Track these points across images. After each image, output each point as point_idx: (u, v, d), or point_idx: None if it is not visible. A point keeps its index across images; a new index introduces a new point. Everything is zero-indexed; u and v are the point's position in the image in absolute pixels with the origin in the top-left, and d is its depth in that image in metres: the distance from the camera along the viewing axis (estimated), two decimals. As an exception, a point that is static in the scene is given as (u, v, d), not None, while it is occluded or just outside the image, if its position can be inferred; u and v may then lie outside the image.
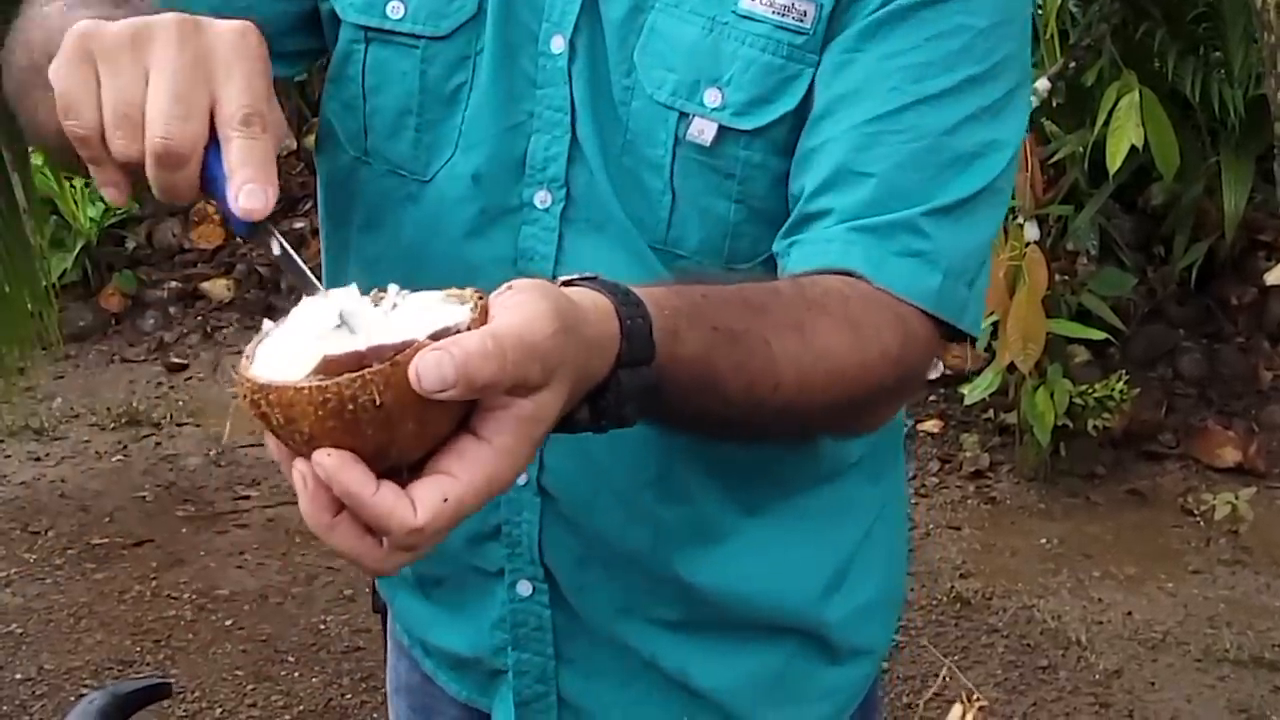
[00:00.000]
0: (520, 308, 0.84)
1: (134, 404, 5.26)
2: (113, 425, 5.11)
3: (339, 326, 0.84)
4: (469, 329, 0.81)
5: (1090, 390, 4.32)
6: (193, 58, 0.94)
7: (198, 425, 5.12)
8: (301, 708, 3.54)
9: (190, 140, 0.94)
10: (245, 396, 0.81)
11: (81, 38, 0.96)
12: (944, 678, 3.53)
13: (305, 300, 0.89)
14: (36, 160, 4.09)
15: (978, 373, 4.52)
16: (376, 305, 0.87)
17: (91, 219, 5.78)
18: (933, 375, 4.74)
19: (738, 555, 1.33)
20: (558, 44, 1.22)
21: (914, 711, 3.44)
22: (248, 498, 4.56)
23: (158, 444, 4.99)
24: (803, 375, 1.05)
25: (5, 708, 3.52)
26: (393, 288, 0.88)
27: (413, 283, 1.31)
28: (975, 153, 1.17)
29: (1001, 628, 3.86)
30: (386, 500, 0.80)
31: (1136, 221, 5.00)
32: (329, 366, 0.79)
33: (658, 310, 0.94)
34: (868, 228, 1.14)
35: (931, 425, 4.79)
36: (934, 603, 3.95)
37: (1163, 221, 4.95)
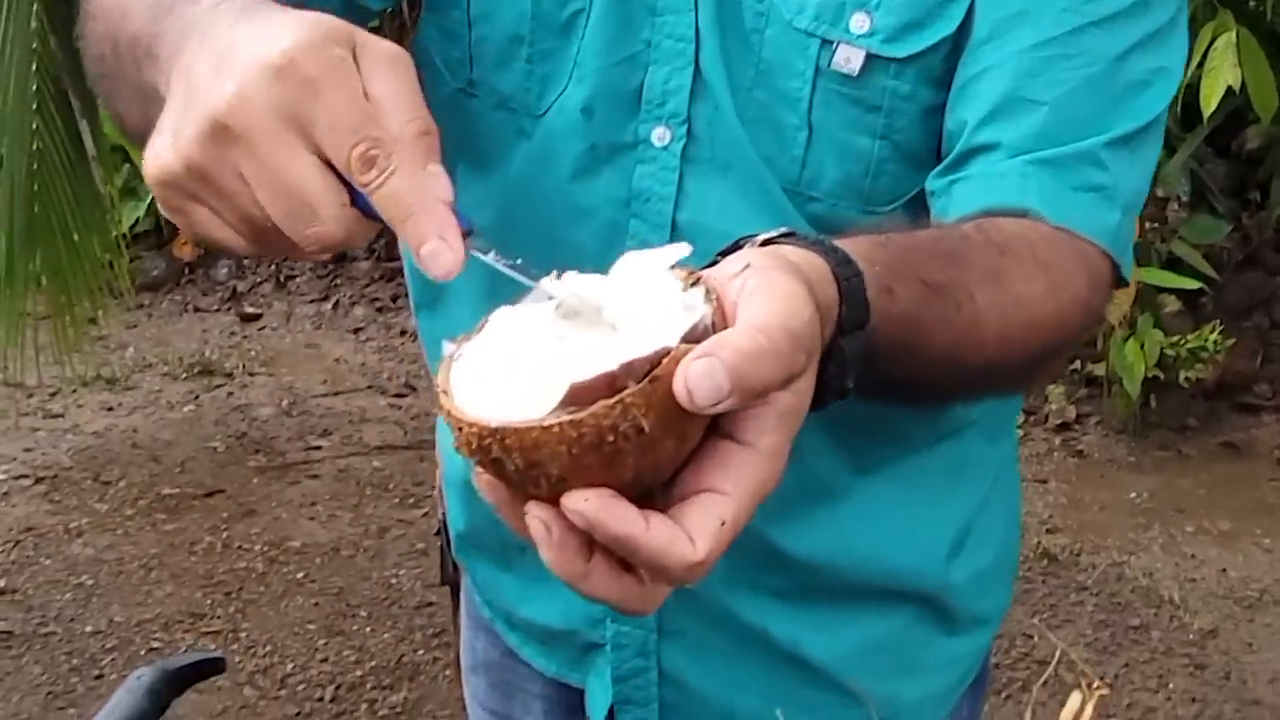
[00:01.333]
0: (775, 291, 0.71)
1: (206, 354, 5.25)
2: (185, 375, 5.10)
3: (554, 338, 0.72)
4: (713, 323, 0.70)
5: (1182, 341, 4.23)
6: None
7: (270, 375, 5.10)
8: (373, 663, 3.49)
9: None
10: (468, 442, 0.69)
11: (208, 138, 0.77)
12: (1034, 639, 3.44)
13: (498, 311, 0.75)
14: (105, 107, 4.04)
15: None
16: (564, 302, 0.74)
17: (163, 167, 5.76)
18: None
19: (852, 517, 1.26)
20: None
21: (1002, 673, 3.34)
22: (319, 448, 4.52)
23: (230, 394, 4.97)
24: (1004, 329, 0.95)
25: (75, 660, 3.49)
26: (569, 274, 0.75)
27: (517, 227, 1.21)
28: (1145, 80, 1.10)
29: (1091, 585, 3.76)
30: (662, 537, 0.68)
31: (1230, 166, 4.89)
32: (578, 395, 0.67)
33: (868, 266, 0.83)
34: (1045, 160, 1.05)
35: (1016, 377, 4.68)
36: (1020, 559, 3.84)
37: (1258, 166, 4.84)
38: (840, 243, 0.83)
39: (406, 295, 1.44)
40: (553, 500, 0.69)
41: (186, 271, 5.90)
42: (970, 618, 1.35)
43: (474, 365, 0.72)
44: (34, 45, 3.55)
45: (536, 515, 0.70)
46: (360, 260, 5.75)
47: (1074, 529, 4.01)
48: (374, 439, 4.53)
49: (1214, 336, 4.24)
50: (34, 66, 3.57)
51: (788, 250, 0.79)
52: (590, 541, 0.70)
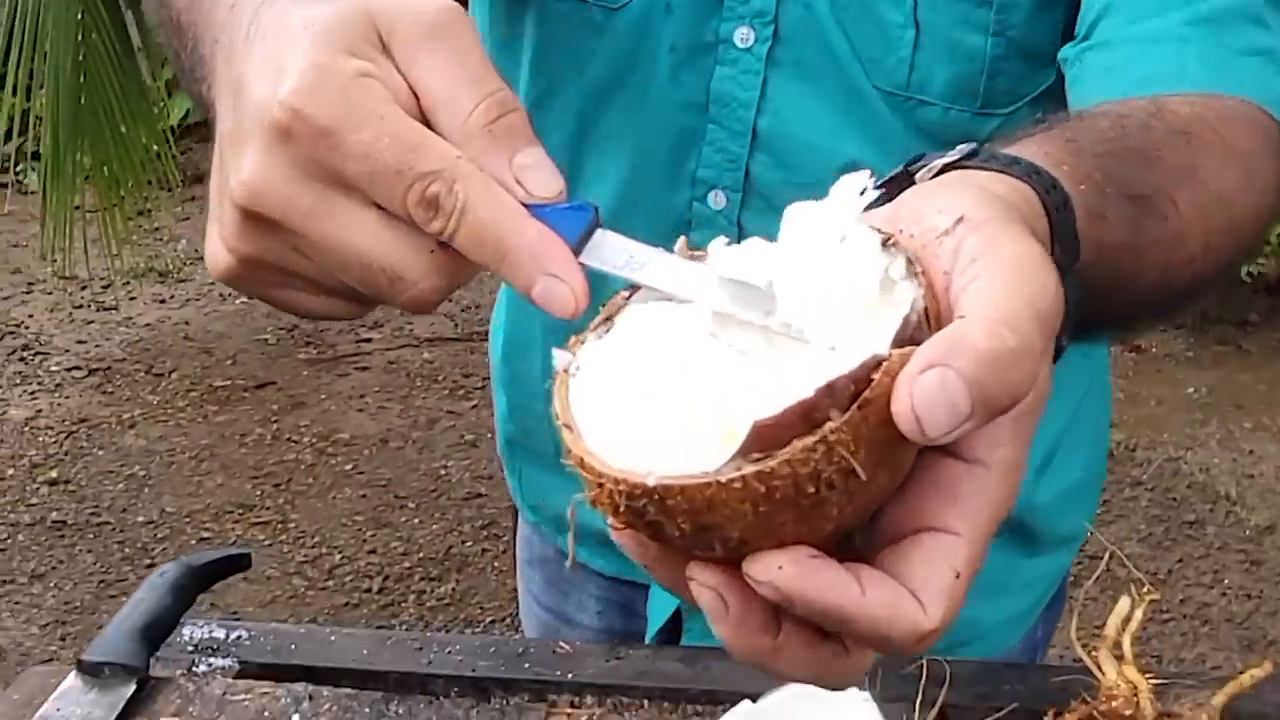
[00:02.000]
0: (1007, 258, 0.53)
1: (256, 246, 5.25)
2: (235, 268, 5.11)
3: (714, 346, 0.55)
4: (926, 313, 0.52)
5: (1245, 233, 4.14)
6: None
7: (319, 268, 5.10)
8: (421, 554, 3.51)
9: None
10: (612, 502, 0.52)
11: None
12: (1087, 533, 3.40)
13: (628, 305, 0.58)
14: None
15: (1124, 215, 4.34)
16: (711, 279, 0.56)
17: (211, 59, 5.74)
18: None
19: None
20: None
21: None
22: (369, 340, 4.52)
23: (279, 287, 4.97)
24: (1208, 235, 0.80)
25: (128, 550, 3.53)
26: (717, 243, 0.58)
27: (591, 136, 1.13)
28: None
29: (1146, 480, 3.72)
30: (882, 604, 0.52)
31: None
32: (763, 434, 0.49)
33: (1073, 185, 0.66)
34: (1205, 19, 0.92)
35: (1074, 270, 4.62)
36: (1074, 454, 3.82)
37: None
38: (1029, 153, 0.66)
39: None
40: (728, 562, 0.52)
41: (236, 164, 5.90)
42: (1055, 538, 1.30)
43: (602, 385, 0.54)
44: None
45: (707, 584, 0.53)
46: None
47: (1130, 424, 3.96)
48: (423, 331, 4.52)
49: (1277, 230, 4.16)
50: (78, -44, 3.55)
51: (994, 184, 0.61)
52: (777, 610, 0.53)
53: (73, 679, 1.10)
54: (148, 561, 3.46)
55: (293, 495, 3.75)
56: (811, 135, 1.08)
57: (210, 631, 1.19)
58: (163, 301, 4.90)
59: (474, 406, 4.11)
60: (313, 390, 4.27)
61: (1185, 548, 3.48)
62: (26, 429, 4.08)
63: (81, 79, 3.80)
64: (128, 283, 4.92)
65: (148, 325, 4.72)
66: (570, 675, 1.14)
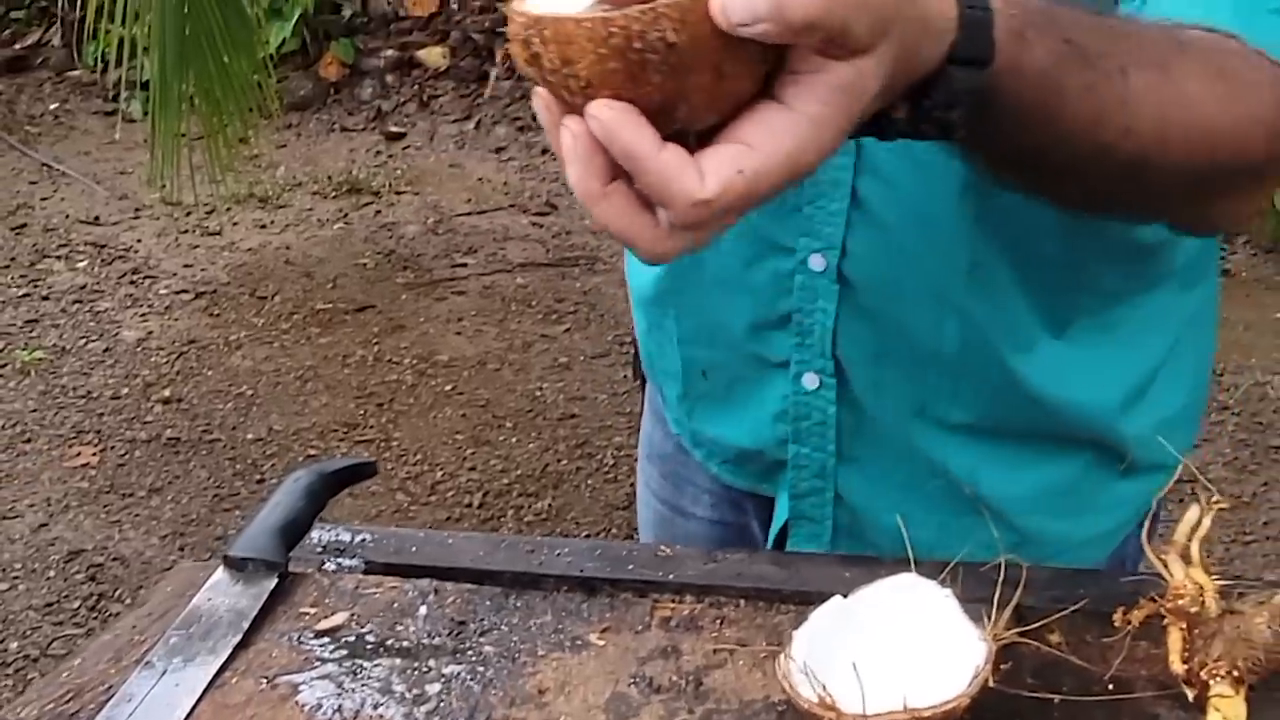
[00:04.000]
0: None
1: (353, 172, 5.35)
2: (333, 193, 5.21)
3: None
4: None
5: (1339, 157, 4.08)
6: None
7: (415, 194, 5.19)
8: (519, 471, 3.62)
9: None
10: (515, 34, 0.70)
11: None
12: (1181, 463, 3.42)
13: None
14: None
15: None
16: None
17: (307, -13, 5.82)
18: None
19: (1042, 363, 1.23)
20: None
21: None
22: (465, 265, 4.62)
23: (377, 212, 5.07)
24: (1162, 122, 0.87)
25: (239, 465, 3.67)
26: None
27: None
28: None
29: (1232, 405, 3.73)
30: (671, 163, 0.67)
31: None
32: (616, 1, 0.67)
33: (1005, 5, 0.78)
34: None
35: (1164, 194, 4.59)
36: (1161, 378, 3.82)
37: None
38: None
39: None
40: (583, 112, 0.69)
41: (332, 91, 5.99)
42: (1150, 463, 1.30)
43: None
44: None
45: (567, 128, 0.69)
46: (502, 80, 5.79)
47: (1218, 348, 3.95)
48: (517, 256, 4.61)
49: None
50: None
51: None
52: (616, 168, 0.69)
53: (220, 573, 1.20)
54: (258, 477, 3.60)
55: (395, 414, 3.87)
56: None
57: (337, 535, 1.28)
58: (263, 227, 5.02)
59: (566, 330, 4.20)
60: (411, 314, 4.37)
61: (1271, 471, 3.50)
62: (139, 349, 4.23)
63: (185, 9, 3.88)
64: (229, 208, 5.05)
65: (250, 250, 4.85)
66: (671, 576, 1.22)
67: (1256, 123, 0.92)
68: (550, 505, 3.49)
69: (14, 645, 3.11)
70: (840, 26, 0.66)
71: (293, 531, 1.25)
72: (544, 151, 5.46)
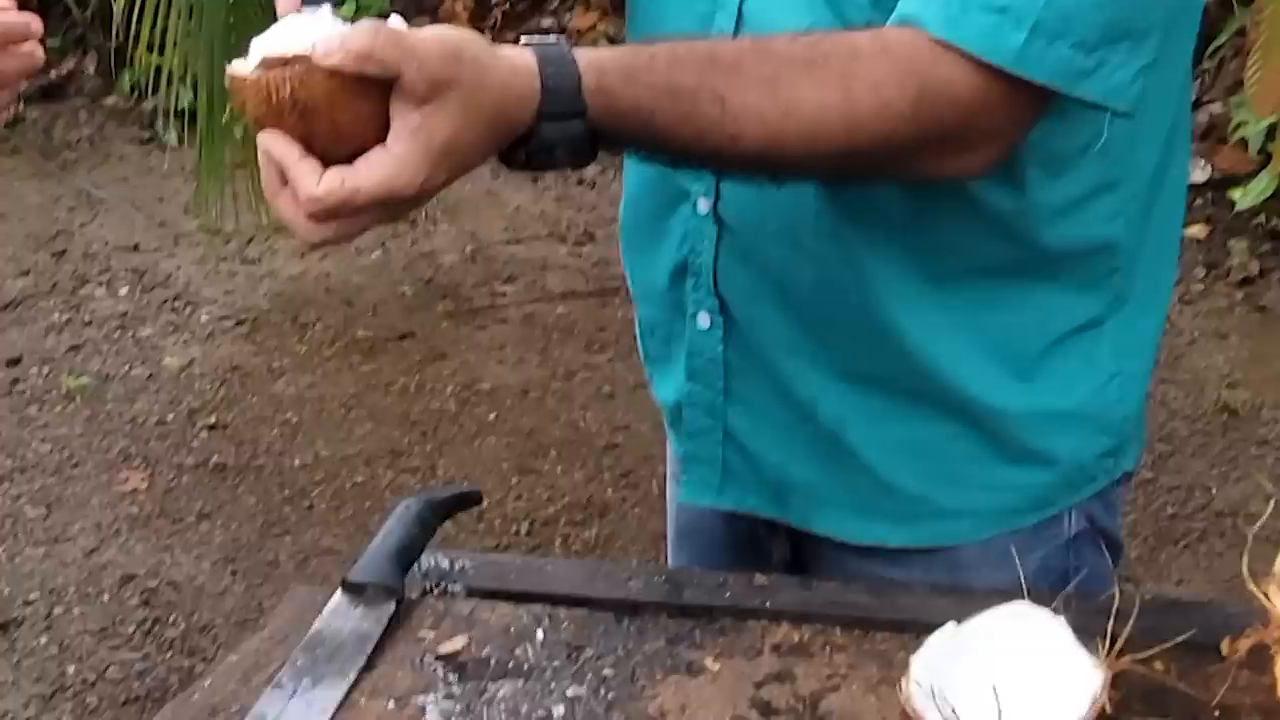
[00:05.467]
0: (425, 28, 1.02)
1: (391, 202, 5.38)
2: (372, 222, 5.25)
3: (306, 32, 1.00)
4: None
5: (1372, 194, 4.12)
6: None
7: (452, 223, 5.23)
8: (565, 500, 3.65)
9: None
10: (230, 85, 1.01)
11: None
12: (1213, 491, 3.46)
13: (297, 14, 1.03)
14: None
15: (1251, 176, 4.32)
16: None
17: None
18: (1200, 178, 4.56)
19: (917, 319, 1.31)
20: None
21: (1178, 524, 3.38)
22: (504, 294, 4.65)
23: (414, 241, 5.11)
24: (769, 128, 1.11)
25: (288, 491, 3.70)
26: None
27: None
28: None
29: (1272, 440, 3.75)
30: (302, 169, 1.00)
31: None
32: (269, 64, 0.99)
33: (593, 68, 1.06)
34: None
35: (1197, 230, 4.60)
36: (1199, 413, 3.84)
37: None
38: (588, 50, 1.06)
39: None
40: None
41: (370, 121, 6.04)
42: (1027, 451, 1.35)
43: (261, 44, 1.02)
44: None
45: (260, 147, 1.02)
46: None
47: (1255, 383, 3.98)
48: (557, 285, 4.64)
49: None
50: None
51: (513, 47, 1.06)
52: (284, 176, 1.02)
53: (339, 597, 1.24)
54: (307, 503, 3.64)
55: (439, 442, 3.91)
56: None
57: (436, 562, 1.33)
58: (302, 255, 5.05)
59: (609, 360, 4.23)
60: (452, 342, 4.41)
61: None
62: (183, 376, 4.27)
63: (232, 40, 3.94)
64: (268, 236, 5.08)
65: (290, 278, 4.89)
66: (768, 604, 1.26)
67: (879, 113, 1.12)
68: (598, 534, 3.52)
69: (71, 669, 3.15)
70: (391, 63, 0.98)
71: (406, 557, 1.29)
72: (580, 181, 5.49)
